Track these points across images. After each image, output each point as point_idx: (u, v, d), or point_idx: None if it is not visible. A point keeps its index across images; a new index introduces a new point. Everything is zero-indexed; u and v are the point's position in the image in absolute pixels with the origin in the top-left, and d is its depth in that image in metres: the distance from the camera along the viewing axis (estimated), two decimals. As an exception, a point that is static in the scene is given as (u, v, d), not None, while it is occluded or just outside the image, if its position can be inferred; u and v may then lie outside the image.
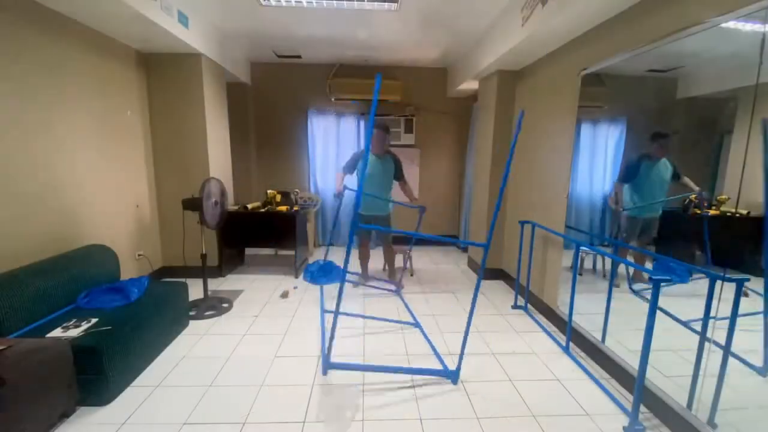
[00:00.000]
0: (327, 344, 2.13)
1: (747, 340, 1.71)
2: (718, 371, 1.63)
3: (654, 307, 1.68)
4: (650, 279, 1.66)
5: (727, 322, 1.61)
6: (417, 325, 2.90)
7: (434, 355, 2.48)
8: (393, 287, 3.76)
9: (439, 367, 2.32)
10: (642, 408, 1.97)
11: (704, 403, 1.69)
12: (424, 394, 2.09)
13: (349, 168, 3.65)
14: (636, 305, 2.38)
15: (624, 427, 1.84)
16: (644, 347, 1.73)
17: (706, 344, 1.71)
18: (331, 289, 3.65)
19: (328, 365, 2.19)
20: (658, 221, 2.44)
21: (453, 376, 2.19)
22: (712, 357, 1.68)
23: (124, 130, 3.29)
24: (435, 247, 5.52)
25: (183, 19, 3.12)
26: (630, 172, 2.59)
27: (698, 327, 1.74)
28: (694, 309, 1.95)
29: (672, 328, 2.12)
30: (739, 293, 1.57)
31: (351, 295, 3.57)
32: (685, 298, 2.10)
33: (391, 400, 2.03)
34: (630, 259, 2.54)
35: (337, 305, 1.97)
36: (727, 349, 1.61)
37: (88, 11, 2.57)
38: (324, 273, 3.99)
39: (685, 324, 1.98)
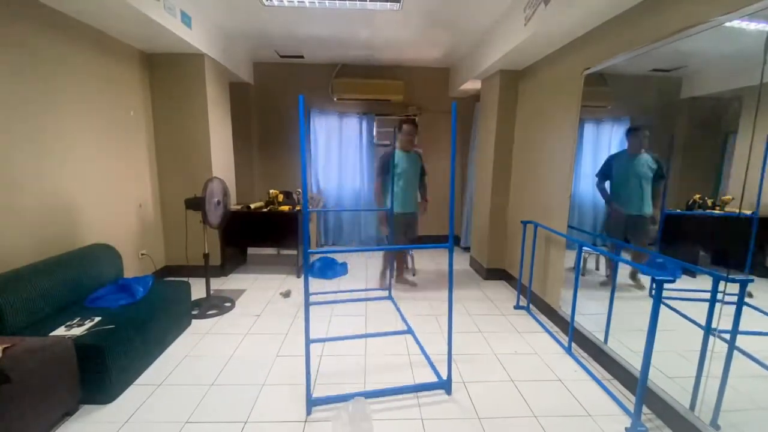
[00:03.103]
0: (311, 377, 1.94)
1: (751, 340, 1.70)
2: (721, 372, 1.62)
3: (657, 308, 1.67)
4: (653, 279, 1.65)
5: (729, 324, 1.60)
6: (410, 331, 2.82)
7: (440, 357, 2.47)
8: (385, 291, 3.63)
9: (438, 368, 2.32)
10: (644, 409, 1.96)
11: (707, 404, 1.68)
12: (426, 394, 2.09)
13: (385, 169, 3.53)
14: (638, 306, 2.36)
15: (626, 428, 1.83)
16: (647, 348, 1.72)
17: (709, 345, 1.70)
18: (317, 307, 3.65)
19: (311, 402, 1.94)
20: (648, 220, 2.45)
21: (446, 386, 2.11)
22: (716, 357, 1.67)
23: (128, 130, 3.31)
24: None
25: (186, 20, 3.13)
26: (605, 168, 2.65)
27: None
28: (699, 310, 1.94)
29: (674, 328, 2.11)
30: (743, 293, 1.56)
31: (350, 299, 3.57)
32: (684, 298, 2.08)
33: (392, 400, 2.03)
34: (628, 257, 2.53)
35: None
36: (730, 349, 1.60)
37: (92, 11, 2.59)
38: (328, 268, 4.09)
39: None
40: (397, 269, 3.98)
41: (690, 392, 1.76)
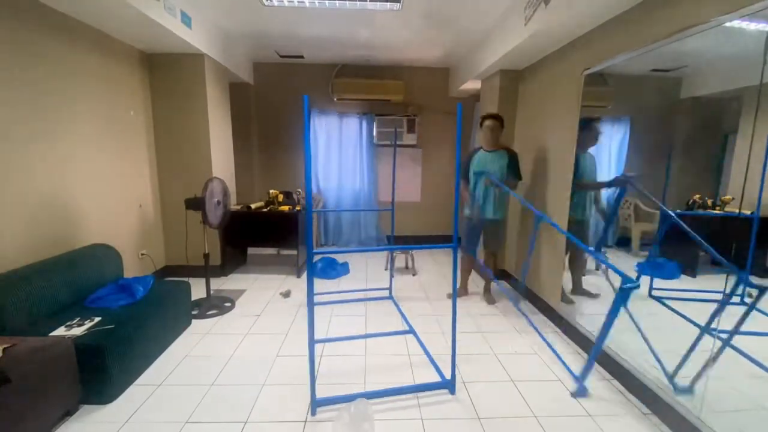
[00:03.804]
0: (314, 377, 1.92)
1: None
2: (725, 373, 1.62)
3: (616, 313, 1.68)
4: (621, 289, 1.66)
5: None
6: (411, 331, 2.81)
7: (441, 357, 2.47)
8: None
9: (440, 368, 2.32)
10: (645, 410, 1.97)
11: (709, 404, 1.68)
12: (426, 394, 2.09)
13: (464, 173, 3.30)
14: (639, 306, 2.36)
15: (571, 393, 1.89)
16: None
17: (713, 345, 1.70)
18: (320, 307, 3.65)
19: (315, 403, 1.92)
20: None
21: (449, 386, 2.12)
22: (719, 358, 1.67)
23: (128, 130, 3.31)
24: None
25: (186, 20, 3.13)
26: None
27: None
28: (694, 310, 1.94)
29: (676, 329, 2.11)
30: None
31: (351, 299, 3.57)
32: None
33: (393, 400, 2.03)
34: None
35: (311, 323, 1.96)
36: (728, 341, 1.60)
37: (92, 11, 2.59)
38: (330, 268, 4.10)
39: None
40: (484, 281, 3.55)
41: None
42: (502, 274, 4.08)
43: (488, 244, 3.42)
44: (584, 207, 2.80)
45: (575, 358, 2.49)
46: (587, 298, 2.82)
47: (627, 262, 2.63)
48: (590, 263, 2.95)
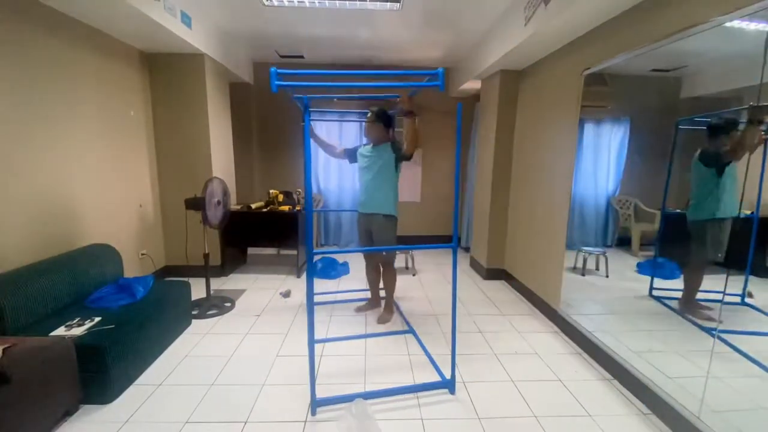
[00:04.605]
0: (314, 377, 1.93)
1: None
2: (725, 373, 1.62)
3: None
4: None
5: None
6: (411, 331, 2.81)
7: (441, 357, 2.47)
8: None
9: (440, 367, 2.32)
10: (646, 410, 1.97)
11: (709, 404, 1.68)
12: (426, 394, 2.09)
13: (349, 155, 3.19)
14: (638, 306, 2.36)
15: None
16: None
17: (715, 346, 1.70)
18: (320, 308, 3.65)
19: (315, 403, 1.92)
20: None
21: (449, 386, 2.12)
22: (719, 358, 1.67)
23: (128, 130, 3.31)
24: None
25: (186, 20, 3.13)
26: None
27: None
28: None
29: (674, 328, 2.11)
30: None
31: (351, 299, 3.57)
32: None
33: (393, 400, 2.03)
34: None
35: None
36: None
37: (91, 11, 2.59)
38: (331, 268, 4.10)
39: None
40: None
41: (690, 391, 1.75)
42: (502, 274, 4.08)
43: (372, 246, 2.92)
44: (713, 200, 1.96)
45: (575, 359, 2.49)
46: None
47: (627, 262, 2.63)
48: (590, 263, 2.94)
